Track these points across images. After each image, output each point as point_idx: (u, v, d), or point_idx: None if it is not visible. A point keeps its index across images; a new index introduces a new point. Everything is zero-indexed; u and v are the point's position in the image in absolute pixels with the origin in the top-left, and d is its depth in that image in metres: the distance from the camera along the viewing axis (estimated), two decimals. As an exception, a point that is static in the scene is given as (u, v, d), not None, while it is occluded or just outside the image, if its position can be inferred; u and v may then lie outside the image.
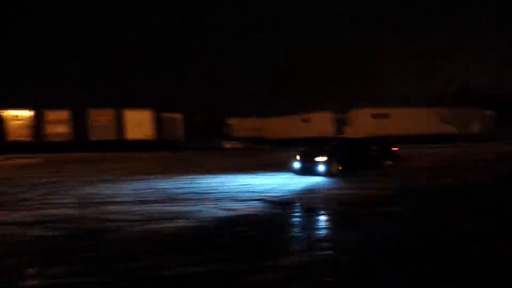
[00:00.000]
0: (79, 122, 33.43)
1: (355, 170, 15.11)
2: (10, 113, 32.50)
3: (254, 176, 14.88)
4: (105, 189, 12.07)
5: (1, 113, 32.17)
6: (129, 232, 7.02)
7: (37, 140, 32.66)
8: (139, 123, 34.83)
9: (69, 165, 20.77)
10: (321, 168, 14.73)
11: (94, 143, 33.49)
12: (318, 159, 14.88)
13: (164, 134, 37.04)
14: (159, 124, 36.30)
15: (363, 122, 37.10)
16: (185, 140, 39.85)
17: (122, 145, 33.76)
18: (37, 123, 32.83)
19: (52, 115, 33.10)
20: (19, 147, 31.46)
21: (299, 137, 38.27)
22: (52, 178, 14.81)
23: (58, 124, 33.08)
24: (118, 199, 10.23)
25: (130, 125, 34.65)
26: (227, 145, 39.93)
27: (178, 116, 39.11)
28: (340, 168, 14.91)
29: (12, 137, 32.30)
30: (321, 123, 38.57)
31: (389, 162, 16.24)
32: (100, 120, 33.92)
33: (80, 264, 5.32)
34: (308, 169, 14.92)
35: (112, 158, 25.63)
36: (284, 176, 14.65)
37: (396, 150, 16.94)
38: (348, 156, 15.38)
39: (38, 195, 11.00)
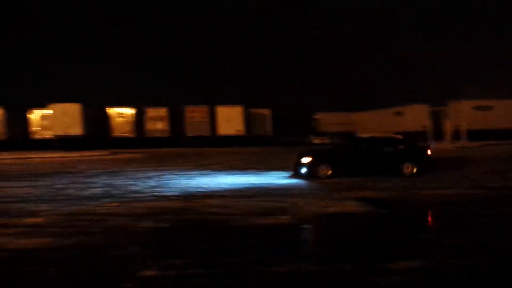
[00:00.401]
0: (176, 119, 35.30)
1: (353, 174, 12.97)
2: (114, 110, 35.20)
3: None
4: (205, 183, 12.58)
5: (106, 111, 34.97)
6: (233, 225, 7.17)
7: (138, 136, 35.06)
8: (230, 119, 35.84)
9: (170, 160, 22.01)
10: (303, 170, 13.25)
11: (189, 138, 35.16)
12: (302, 160, 13.39)
13: (254, 129, 37.80)
14: (249, 119, 37.11)
15: (463, 115, 34.54)
16: (273, 135, 40.23)
17: (214, 140, 35.04)
18: (139, 119, 35.24)
19: (152, 112, 35.34)
20: (122, 142, 34.01)
21: (390, 132, 36.75)
22: (155, 172, 15.77)
23: (158, 120, 35.24)
24: (218, 193, 10.57)
25: (222, 121, 35.80)
26: (316, 140, 39.53)
27: (266, 111, 39.62)
28: (330, 172, 12.94)
29: (116, 133, 34.99)
30: (415, 117, 36.63)
31: (413, 168, 13.07)
32: (195, 116, 35.51)
33: (188, 256, 5.51)
34: (296, 171, 13.57)
35: (207, 153, 26.72)
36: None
37: (428, 152, 13.64)
38: (342, 158, 13.30)
39: (145, 188, 11.74)
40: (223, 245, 6.06)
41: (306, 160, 13.29)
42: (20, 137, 33.26)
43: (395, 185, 11.50)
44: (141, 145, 33.74)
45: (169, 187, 11.91)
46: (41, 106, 33.40)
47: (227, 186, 11.79)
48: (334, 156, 13.58)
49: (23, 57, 47.00)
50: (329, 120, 48.35)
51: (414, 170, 13.10)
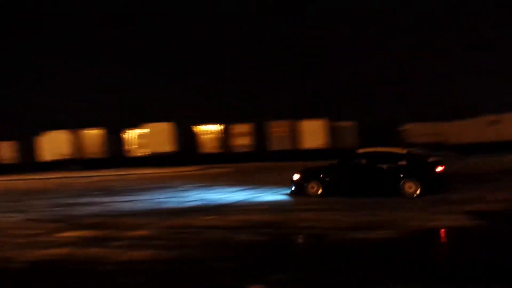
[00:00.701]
0: (259, 134, 35.98)
1: (346, 194, 11.75)
2: (202, 128, 36.77)
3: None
4: (293, 196, 12.55)
5: (196, 128, 36.66)
6: (333, 240, 7.01)
7: (225, 151, 36.22)
8: (313, 133, 35.72)
9: (256, 174, 22.37)
10: (293, 187, 12.58)
11: (272, 152, 35.56)
12: (293, 177, 12.63)
13: (337, 142, 37.20)
14: (332, 132, 36.66)
15: None
16: (359, 148, 39.19)
17: (297, 154, 35.04)
18: (225, 136, 36.43)
19: (237, 128, 36.37)
20: (210, 157, 35.33)
21: (486, 142, 34.23)
22: (244, 186, 16.09)
23: (242, 136, 36.17)
24: (308, 206, 10.46)
25: (305, 134, 35.77)
26: (405, 152, 37.83)
27: (350, 124, 38.88)
28: (321, 190, 12.01)
29: (205, 149, 36.45)
30: (513, 125, 33.67)
31: (416, 188, 11.09)
32: (277, 131, 35.91)
33: (293, 271, 5.43)
34: (290, 188, 12.83)
35: (290, 167, 26.67)
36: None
37: (438, 169, 11.50)
38: (334, 176, 12.15)
39: (236, 201, 11.99)
40: (328, 260, 5.92)
41: (295, 177, 12.58)
42: (119, 155, 35.91)
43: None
44: (228, 160, 34.75)
45: (259, 200, 12.06)
46: (136, 125, 35.90)
47: (316, 200, 11.62)
48: (325, 173, 12.37)
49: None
50: (418, 131, 46.03)
51: (418, 190, 11.13)
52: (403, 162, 11.58)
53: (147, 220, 9.63)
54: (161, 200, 13.21)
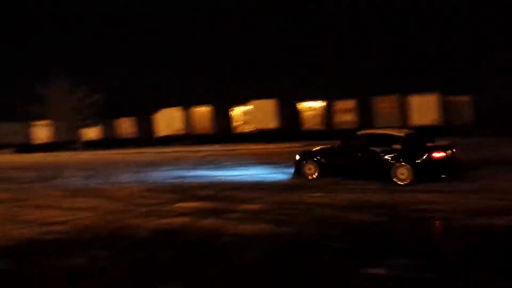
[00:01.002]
0: (364, 110, 34.75)
1: (340, 176, 11.45)
2: (304, 105, 36.57)
3: None
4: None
5: (297, 106, 36.58)
6: (457, 225, 6.52)
7: (327, 128, 35.68)
8: (423, 108, 33.58)
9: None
10: (293, 169, 12.59)
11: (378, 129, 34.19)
12: (296, 157, 12.51)
13: (452, 119, 34.53)
14: (445, 108, 34.08)
15: None
16: (475, 125, 36.00)
17: (405, 131, 33.28)
18: (328, 112, 35.85)
19: (340, 104, 35.52)
20: (312, 134, 35.09)
21: None
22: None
23: (346, 113, 35.26)
24: (426, 187, 9.82)
25: (415, 110, 33.76)
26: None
27: (466, 98, 35.68)
28: (317, 172, 11.81)
29: (306, 126, 36.29)
30: None
31: (408, 174, 10.33)
32: (384, 107, 34.36)
33: (419, 257, 5.12)
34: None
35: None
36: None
37: (435, 155, 10.44)
38: (330, 158, 11.89)
39: (342, 179, 11.62)
40: (456, 248, 5.53)
41: (296, 157, 12.58)
42: (225, 131, 37.39)
43: None
44: (330, 137, 34.20)
45: (367, 179, 11.63)
46: (242, 103, 36.91)
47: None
48: (322, 155, 12.08)
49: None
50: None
51: (410, 177, 10.33)
52: (398, 146, 10.88)
53: (257, 194, 9.89)
54: (268, 174, 13.47)
